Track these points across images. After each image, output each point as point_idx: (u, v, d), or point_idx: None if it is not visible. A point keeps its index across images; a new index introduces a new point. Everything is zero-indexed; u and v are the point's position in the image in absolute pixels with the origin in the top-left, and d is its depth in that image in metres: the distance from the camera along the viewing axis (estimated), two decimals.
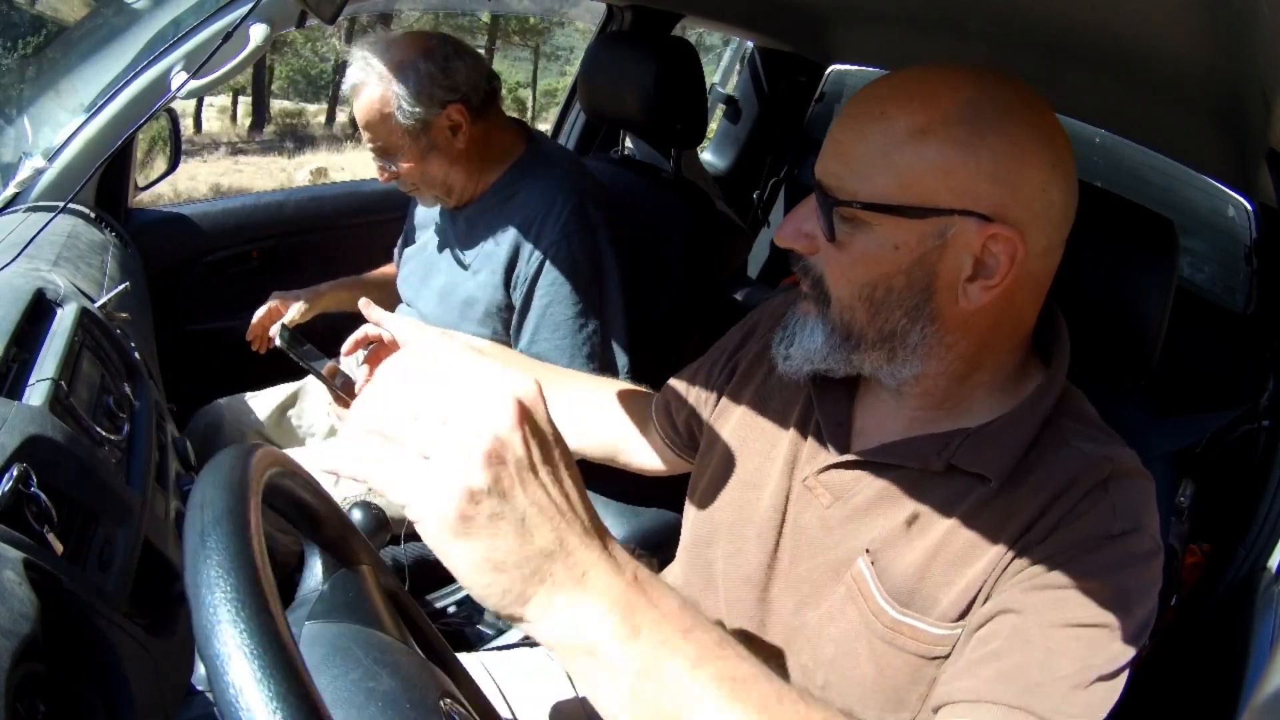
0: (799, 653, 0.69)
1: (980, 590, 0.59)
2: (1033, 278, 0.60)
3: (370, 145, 1.23)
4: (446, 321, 1.29)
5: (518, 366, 0.95)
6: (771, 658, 0.70)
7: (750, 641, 0.71)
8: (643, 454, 0.92)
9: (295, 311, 1.36)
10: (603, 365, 1.22)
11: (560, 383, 0.97)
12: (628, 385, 0.97)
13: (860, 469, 0.66)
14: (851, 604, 0.64)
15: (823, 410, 0.69)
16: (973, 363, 0.62)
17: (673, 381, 0.88)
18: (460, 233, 1.30)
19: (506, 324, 1.26)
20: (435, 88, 1.15)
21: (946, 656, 0.61)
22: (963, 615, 0.60)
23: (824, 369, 0.65)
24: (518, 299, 1.21)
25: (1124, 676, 0.56)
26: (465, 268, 1.28)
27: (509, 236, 1.22)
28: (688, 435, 0.86)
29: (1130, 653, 0.55)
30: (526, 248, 1.20)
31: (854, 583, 0.64)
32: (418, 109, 1.15)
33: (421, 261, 1.39)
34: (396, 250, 1.55)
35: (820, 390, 0.70)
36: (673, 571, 0.85)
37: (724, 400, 0.80)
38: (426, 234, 1.39)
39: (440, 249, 1.34)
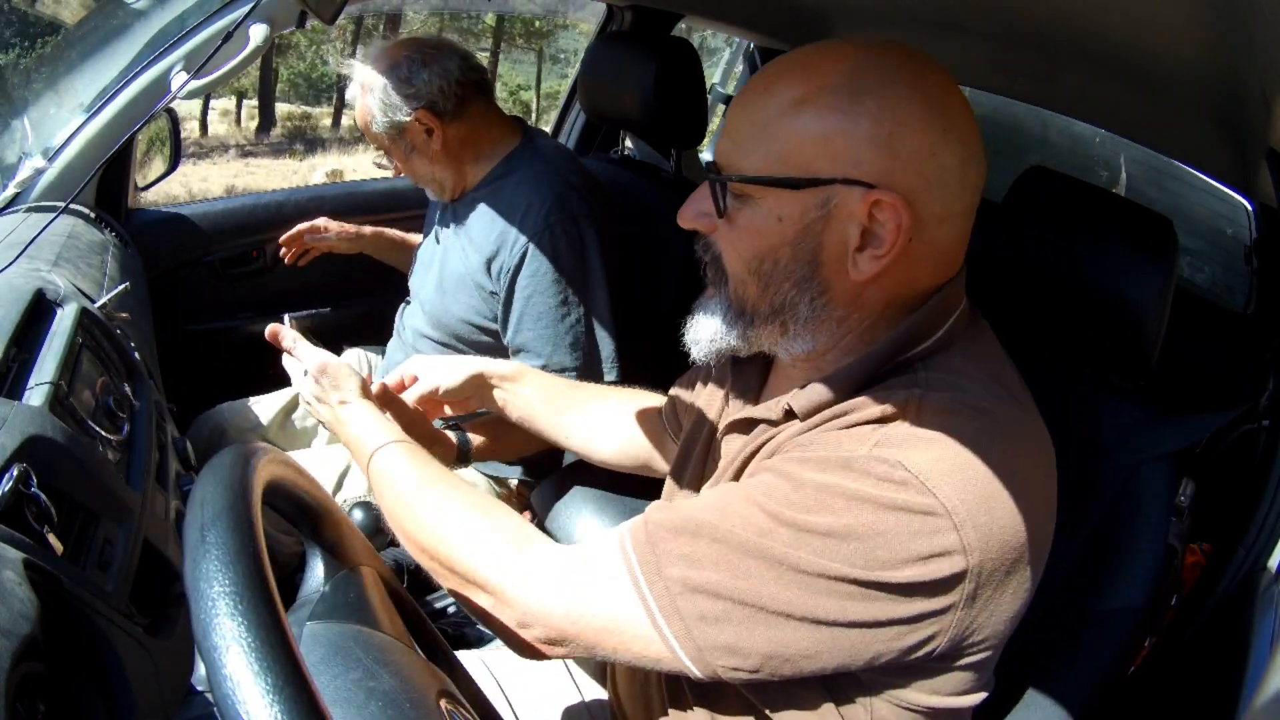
0: None
1: None
2: (932, 248, 0.58)
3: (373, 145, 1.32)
4: (441, 307, 1.32)
5: (546, 388, 0.99)
6: None
7: None
8: (667, 461, 0.94)
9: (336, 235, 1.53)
10: (586, 355, 1.23)
11: (589, 403, 0.99)
12: (646, 399, 0.99)
13: (737, 432, 0.68)
14: None
15: (734, 388, 0.72)
16: (866, 338, 0.61)
17: (674, 389, 0.92)
18: (453, 223, 1.33)
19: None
20: (400, 99, 1.22)
21: None
22: None
23: (726, 347, 0.64)
24: (500, 288, 1.24)
25: (747, 587, 0.51)
26: (456, 256, 1.30)
27: (495, 226, 1.24)
28: None
29: (792, 589, 0.51)
30: (510, 238, 1.22)
31: None
32: (386, 119, 1.24)
33: (425, 253, 1.42)
34: None
35: (736, 371, 0.72)
36: None
37: (699, 387, 0.82)
38: (432, 227, 1.41)
39: (437, 240, 1.37)
